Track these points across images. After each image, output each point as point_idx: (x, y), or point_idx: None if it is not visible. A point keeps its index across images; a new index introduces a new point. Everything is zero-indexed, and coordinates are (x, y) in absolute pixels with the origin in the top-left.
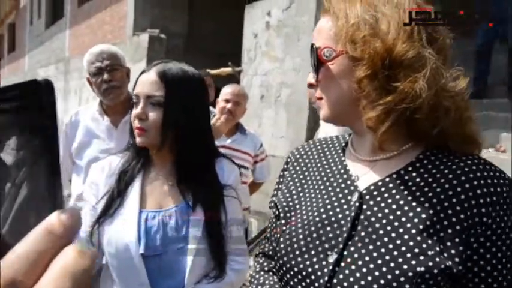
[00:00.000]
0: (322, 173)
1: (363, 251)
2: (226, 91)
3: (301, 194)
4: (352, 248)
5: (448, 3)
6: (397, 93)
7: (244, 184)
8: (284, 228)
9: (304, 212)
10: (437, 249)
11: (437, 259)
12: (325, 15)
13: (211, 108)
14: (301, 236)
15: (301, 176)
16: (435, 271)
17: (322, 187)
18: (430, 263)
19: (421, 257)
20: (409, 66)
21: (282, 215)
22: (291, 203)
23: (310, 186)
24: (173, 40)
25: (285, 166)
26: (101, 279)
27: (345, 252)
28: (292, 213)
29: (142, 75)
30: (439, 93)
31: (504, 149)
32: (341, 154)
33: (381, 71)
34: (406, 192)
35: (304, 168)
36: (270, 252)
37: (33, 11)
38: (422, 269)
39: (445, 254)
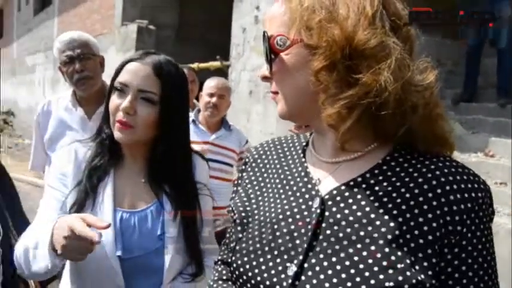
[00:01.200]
0: (282, 176)
1: (325, 263)
2: (210, 85)
3: (259, 199)
4: (313, 260)
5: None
6: (360, 86)
7: (228, 182)
8: (240, 235)
9: (262, 219)
10: (408, 261)
11: (408, 273)
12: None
13: (194, 102)
14: (258, 245)
15: (259, 179)
16: (406, 286)
17: (281, 191)
18: (400, 278)
19: (390, 271)
20: (372, 56)
21: (238, 221)
22: (248, 208)
23: (269, 190)
24: (163, 31)
25: (243, 167)
26: (69, 279)
27: (306, 265)
28: (250, 219)
29: (133, 63)
30: (406, 87)
31: (493, 154)
32: (301, 155)
33: (340, 61)
34: (372, 198)
35: (263, 170)
36: (229, 259)
37: None
38: (391, 284)
39: (417, 267)
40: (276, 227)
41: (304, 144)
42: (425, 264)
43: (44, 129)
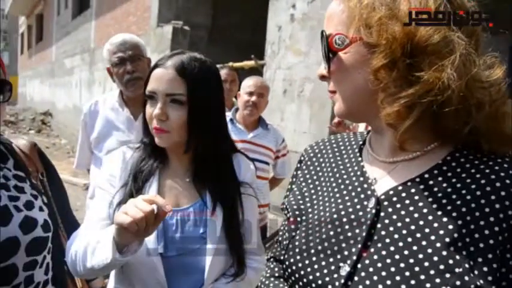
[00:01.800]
0: (337, 175)
1: (379, 264)
2: (249, 83)
3: (313, 197)
4: (367, 261)
5: None
6: (421, 85)
7: (264, 180)
8: (294, 234)
9: (316, 217)
10: (467, 266)
11: (466, 278)
12: None
13: (234, 101)
14: (311, 244)
15: (314, 177)
16: None
17: (336, 190)
18: (458, 282)
19: (447, 275)
20: (435, 52)
21: (291, 219)
22: (302, 206)
23: (324, 189)
24: (197, 32)
25: (298, 165)
26: (115, 275)
27: (359, 265)
28: (303, 218)
29: (158, 69)
30: (471, 84)
31: None
32: (358, 154)
33: (401, 59)
34: (430, 199)
35: (318, 169)
36: (282, 257)
37: (61, 1)
38: None
39: (476, 272)
40: (330, 226)
41: (361, 143)
42: (485, 269)
43: (90, 129)
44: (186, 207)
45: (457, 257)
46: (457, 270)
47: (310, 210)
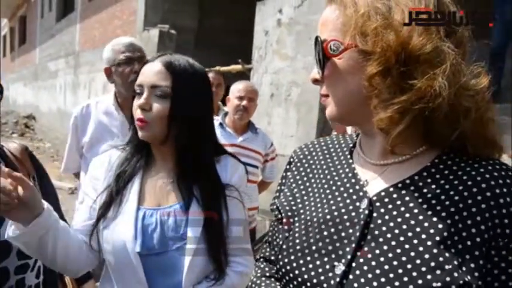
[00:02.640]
0: (328, 176)
1: (373, 263)
2: (238, 88)
3: (305, 198)
4: (361, 260)
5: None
6: (414, 92)
7: (253, 183)
8: (287, 234)
9: (308, 218)
10: (455, 263)
11: (455, 274)
12: (331, 4)
13: (219, 104)
14: (305, 244)
15: (305, 179)
16: (453, 287)
17: (327, 191)
18: (448, 278)
19: (438, 272)
20: (427, 61)
21: (284, 220)
22: (294, 207)
23: (315, 190)
24: (183, 35)
25: (288, 167)
26: (102, 276)
27: (353, 264)
28: (296, 219)
29: (146, 65)
30: (459, 92)
31: None
32: (348, 156)
33: (395, 67)
34: (420, 200)
35: (308, 170)
36: (272, 257)
37: (44, 4)
38: (439, 284)
39: (464, 268)
40: (323, 227)
41: (351, 145)
42: (472, 265)
43: (82, 132)
44: (167, 206)
45: (447, 254)
46: (446, 267)
47: (302, 211)
